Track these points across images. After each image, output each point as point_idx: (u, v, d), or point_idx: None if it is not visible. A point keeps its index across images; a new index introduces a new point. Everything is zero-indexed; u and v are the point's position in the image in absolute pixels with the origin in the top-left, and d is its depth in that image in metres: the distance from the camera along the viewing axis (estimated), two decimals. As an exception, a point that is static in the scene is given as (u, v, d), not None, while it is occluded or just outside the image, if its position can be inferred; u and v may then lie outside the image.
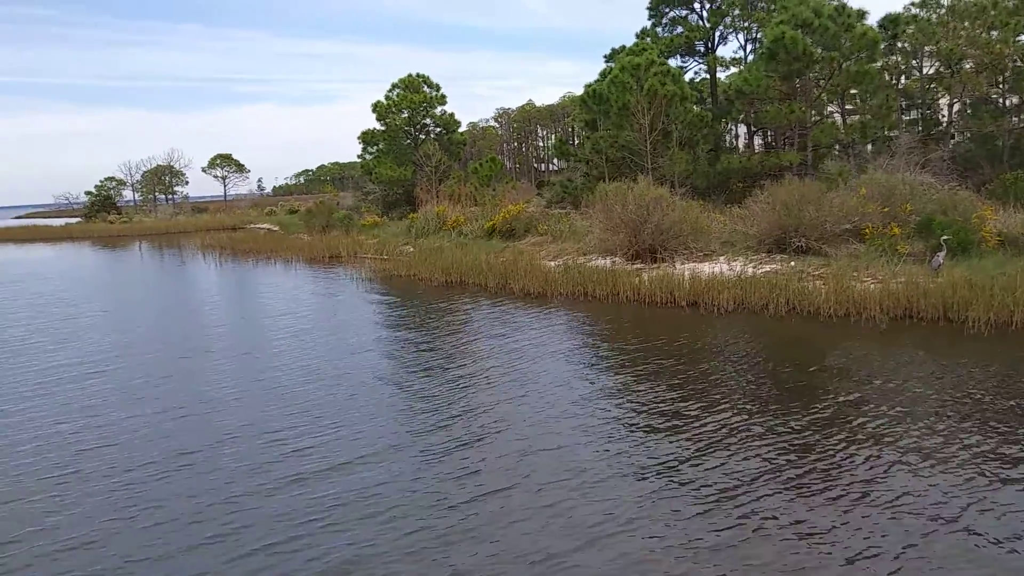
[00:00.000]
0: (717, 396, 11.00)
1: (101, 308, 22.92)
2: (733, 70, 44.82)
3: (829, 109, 29.00)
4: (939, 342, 13.80)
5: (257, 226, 61.79)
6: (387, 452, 9.32)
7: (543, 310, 18.85)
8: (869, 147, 32.67)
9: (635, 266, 22.22)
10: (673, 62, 37.35)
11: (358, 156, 66.34)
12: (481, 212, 34.97)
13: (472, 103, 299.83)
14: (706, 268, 20.91)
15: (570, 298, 20.14)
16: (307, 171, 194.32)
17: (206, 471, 8.97)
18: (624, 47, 40.52)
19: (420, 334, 16.71)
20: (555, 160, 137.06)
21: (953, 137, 35.62)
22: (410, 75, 46.55)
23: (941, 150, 28.16)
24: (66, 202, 79.52)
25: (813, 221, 20.31)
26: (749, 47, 39.20)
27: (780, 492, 7.69)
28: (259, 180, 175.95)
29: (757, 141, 40.60)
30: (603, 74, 36.61)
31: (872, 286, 16.65)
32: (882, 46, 26.66)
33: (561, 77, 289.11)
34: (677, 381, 11.85)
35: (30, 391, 12.98)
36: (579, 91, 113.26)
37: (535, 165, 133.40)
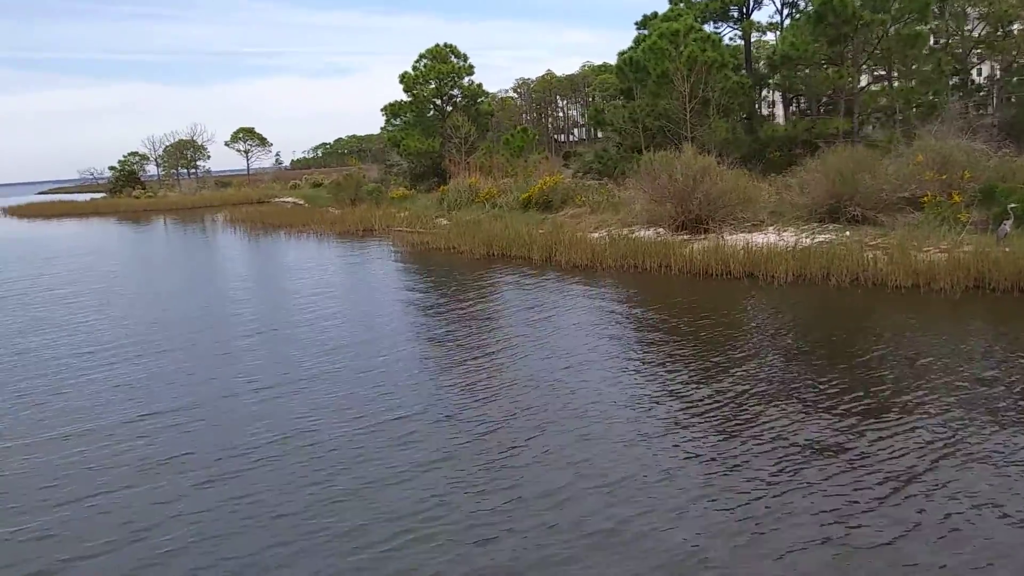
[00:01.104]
0: (790, 372, 10.68)
1: (151, 286, 22.87)
2: (769, 36, 44.05)
3: (871, 75, 28.13)
4: (1015, 313, 13.38)
5: (282, 200, 61.71)
6: (461, 451, 9.10)
7: (593, 282, 18.54)
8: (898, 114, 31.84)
9: (681, 237, 21.79)
10: (707, 28, 36.54)
11: (381, 128, 65.95)
12: (515, 183, 34.55)
13: (489, 74, 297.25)
14: (756, 238, 20.46)
15: (619, 270, 19.80)
16: (325, 144, 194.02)
17: (278, 453, 8.81)
18: (656, 13, 39.70)
19: (472, 308, 16.45)
20: (574, 131, 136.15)
21: (994, 103, 34.70)
22: (437, 45, 45.98)
23: (991, 116, 27.37)
24: (91, 177, 79.86)
25: (869, 189, 19.78)
26: (786, 12, 38.30)
27: (864, 473, 7.40)
28: (277, 153, 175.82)
29: (791, 108, 39.78)
30: (637, 41, 35.89)
31: (937, 256, 16.17)
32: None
33: (580, 46, 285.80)
34: (743, 355, 11.52)
35: (91, 372, 12.88)
36: (599, 60, 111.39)
37: (554, 136, 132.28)
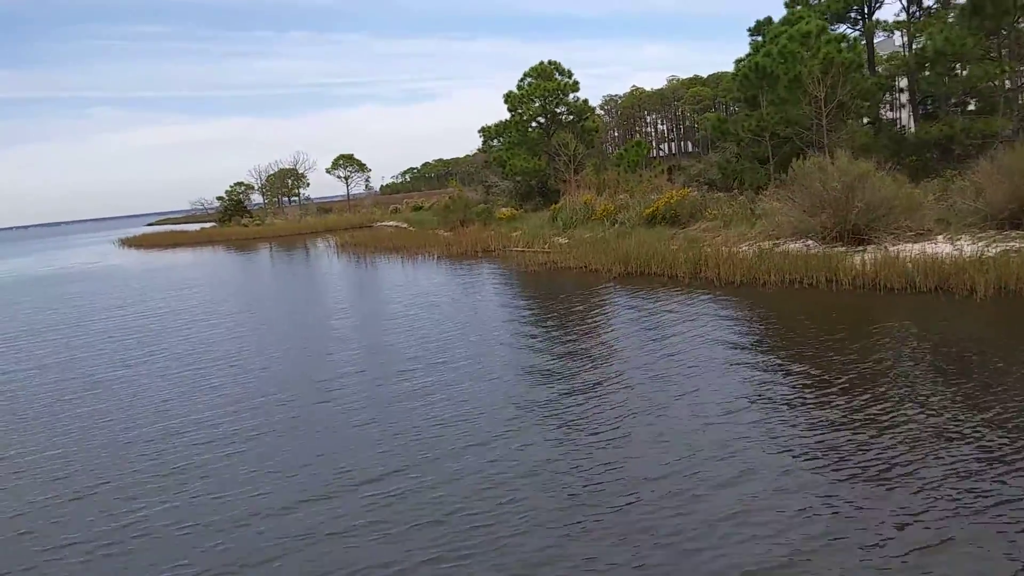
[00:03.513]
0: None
1: (303, 317, 22.87)
2: (896, 35, 41.85)
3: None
4: None
5: (384, 224, 62.32)
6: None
7: (758, 300, 17.35)
8: None
9: (836, 249, 20.35)
10: (827, 30, 34.91)
11: (479, 149, 66.15)
12: (632, 199, 33.56)
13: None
14: (927, 248, 18.88)
15: (780, 286, 18.52)
16: (412, 169, 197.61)
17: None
18: (770, 19, 38.32)
19: (636, 332, 15.50)
20: (663, 146, 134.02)
21: None
22: (542, 63, 45.55)
23: None
24: (201, 207, 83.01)
25: (1060, 191, 17.98)
26: (913, 9, 36.24)
27: None
28: (367, 179, 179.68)
29: (919, 111, 37.49)
30: (756, 47, 34.49)
31: None
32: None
33: (661, 61, 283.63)
34: (974, 386, 10.21)
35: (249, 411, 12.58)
36: (684, 74, 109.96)
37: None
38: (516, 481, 8.26)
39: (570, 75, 45.89)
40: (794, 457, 8.22)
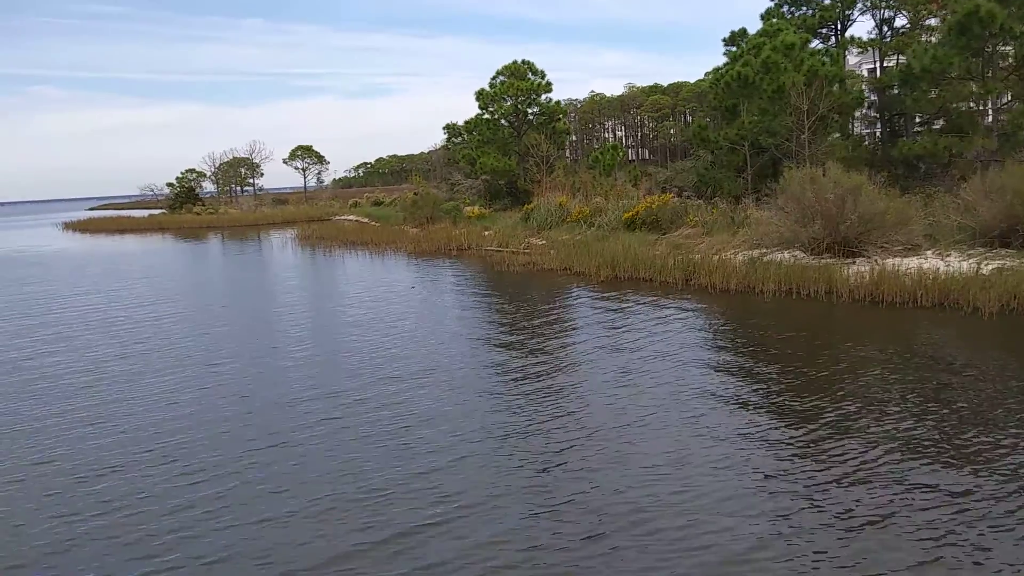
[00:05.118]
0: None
1: (294, 320, 21.78)
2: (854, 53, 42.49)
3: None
4: None
5: (344, 218, 60.89)
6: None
7: (756, 311, 17.05)
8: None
9: (825, 260, 20.28)
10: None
11: (442, 145, 65.20)
12: (607, 203, 33.22)
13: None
14: (918, 263, 18.88)
15: (777, 296, 18.24)
16: (366, 164, 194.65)
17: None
18: (744, 30, 38.46)
19: (643, 341, 15.01)
20: (628, 151, 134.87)
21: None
22: (515, 62, 44.92)
23: None
24: (151, 194, 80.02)
25: (1052, 211, 18.15)
26: (886, 28, 36.84)
27: None
28: (318, 172, 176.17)
29: (887, 127, 38.04)
30: (733, 57, 34.52)
31: None
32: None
33: (618, 68, 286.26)
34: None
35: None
36: (643, 83, 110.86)
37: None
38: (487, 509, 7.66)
39: (543, 75, 45.33)
40: (795, 493, 7.81)
